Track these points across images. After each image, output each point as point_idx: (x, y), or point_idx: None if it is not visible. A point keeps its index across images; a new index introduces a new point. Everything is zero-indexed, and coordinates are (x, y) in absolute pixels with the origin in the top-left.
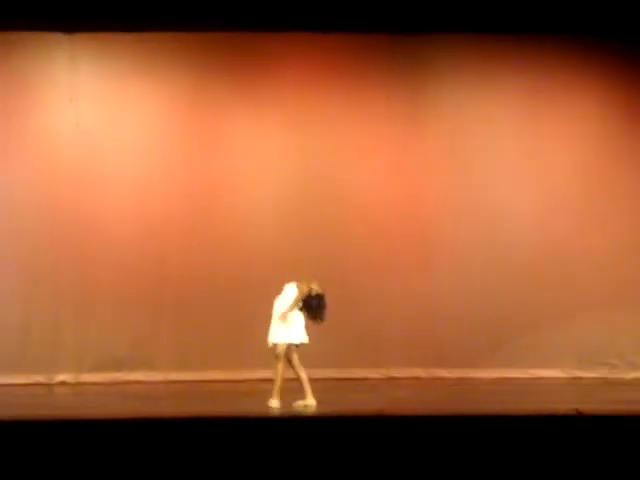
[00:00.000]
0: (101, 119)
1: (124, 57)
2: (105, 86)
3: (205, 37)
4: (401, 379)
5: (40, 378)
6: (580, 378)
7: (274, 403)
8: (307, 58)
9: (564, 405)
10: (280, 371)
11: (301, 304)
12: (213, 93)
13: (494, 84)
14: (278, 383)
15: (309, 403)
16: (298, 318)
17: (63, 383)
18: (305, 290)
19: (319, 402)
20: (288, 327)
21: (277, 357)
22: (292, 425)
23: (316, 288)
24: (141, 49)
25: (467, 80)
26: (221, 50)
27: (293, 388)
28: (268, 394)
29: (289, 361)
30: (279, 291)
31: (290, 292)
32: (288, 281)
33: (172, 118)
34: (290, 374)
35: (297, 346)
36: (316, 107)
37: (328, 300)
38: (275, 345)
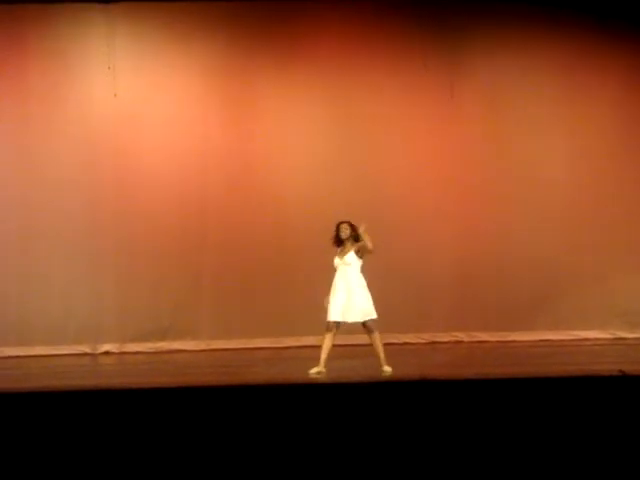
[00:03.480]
0: (138, 87)
1: (160, 26)
2: (142, 55)
3: (242, 5)
4: (443, 343)
5: (84, 348)
6: (624, 339)
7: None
8: (344, 27)
9: (608, 366)
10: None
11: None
12: (250, 61)
13: (532, 55)
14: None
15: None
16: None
17: (107, 353)
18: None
19: (363, 367)
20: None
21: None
22: (335, 391)
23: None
24: (177, 18)
25: (505, 50)
26: (258, 19)
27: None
28: (311, 361)
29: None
30: (319, 258)
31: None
32: (328, 248)
33: (208, 86)
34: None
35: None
36: (352, 75)
37: (372, 264)
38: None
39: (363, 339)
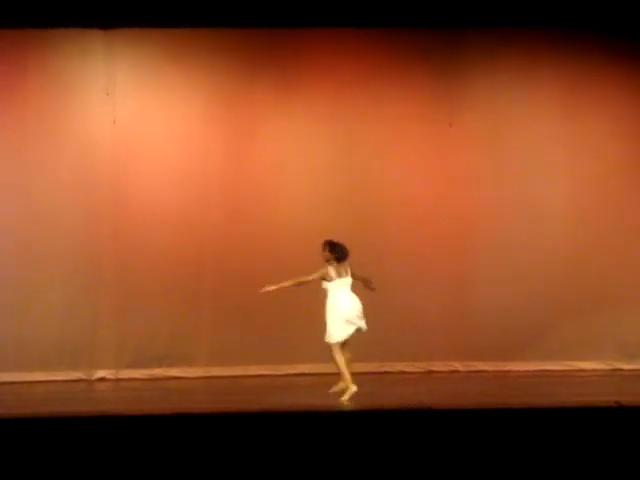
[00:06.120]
0: (137, 114)
1: (160, 52)
2: (141, 82)
3: (242, 32)
4: (439, 372)
5: (80, 374)
6: (620, 370)
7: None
8: (344, 54)
9: (605, 397)
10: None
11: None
12: (250, 88)
13: (532, 82)
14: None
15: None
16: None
17: (103, 379)
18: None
19: (359, 395)
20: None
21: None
22: (332, 419)
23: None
24: (177, 44)
25: (505, 77)
26: (258, 45)
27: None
28: (309, 389)
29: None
30: (318, 286)
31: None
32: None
33: (208, 113)
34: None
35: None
36: (352, 102)
37: (367, 292)
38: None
39: (360, 368)
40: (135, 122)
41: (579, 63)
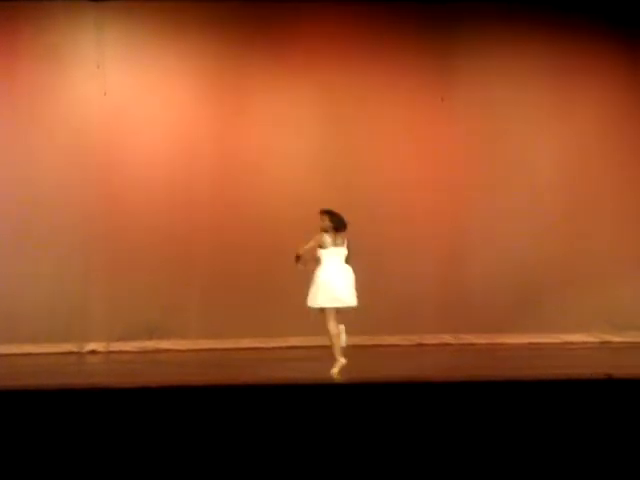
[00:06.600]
0: (128, 86)
1: (151, 24)
2: (132, 53)
3: (234, 5)
4: (431, 345)
5: (71, 347)
6: (610, 342)
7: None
8: (336, 28)
9: (595, 369)
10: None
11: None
12: (242, 60)
13: (523, 57)
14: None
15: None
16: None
17: (94, 352)
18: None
19: (350, 369)
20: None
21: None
22: (323, 392)
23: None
24: (168, 16)
25: (496, 52)
26: (250, 17)
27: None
28: (297, 361)
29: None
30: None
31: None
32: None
33: (200, 85)
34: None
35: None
36: (344, 78)
37: (359, 266)
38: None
39: (351, 341)
40: (126, 94)
41: (568, 37)
